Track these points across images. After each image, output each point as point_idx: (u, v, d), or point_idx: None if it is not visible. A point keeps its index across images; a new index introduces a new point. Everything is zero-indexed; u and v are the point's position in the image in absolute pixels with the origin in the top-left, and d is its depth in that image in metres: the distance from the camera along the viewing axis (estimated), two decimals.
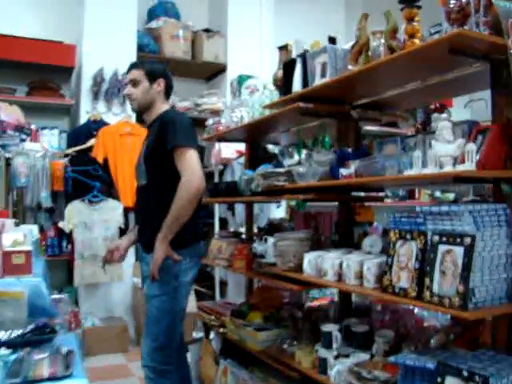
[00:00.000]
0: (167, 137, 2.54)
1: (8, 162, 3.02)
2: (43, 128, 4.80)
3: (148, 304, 2.61)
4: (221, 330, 3.28)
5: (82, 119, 4.82)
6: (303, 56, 2.59)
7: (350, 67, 2.25)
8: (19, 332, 1.72)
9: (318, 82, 2.45)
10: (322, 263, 2.34)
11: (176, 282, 2.55)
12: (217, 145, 4.95)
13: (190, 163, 2.50)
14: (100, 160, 4.65)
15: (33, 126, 4.65)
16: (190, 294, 2.65)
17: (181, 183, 2.46)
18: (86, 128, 4.77)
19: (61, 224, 4.43)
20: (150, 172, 2.66)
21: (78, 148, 4.65)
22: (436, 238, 1.78)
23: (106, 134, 4.71)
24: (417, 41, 1.88)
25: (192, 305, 4.16)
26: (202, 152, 5.17)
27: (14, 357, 1.59)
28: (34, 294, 1.87)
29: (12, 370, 1.49)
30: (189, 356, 3.23)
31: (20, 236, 2.01)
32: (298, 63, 2.59)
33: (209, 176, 5.13)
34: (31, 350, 1.60)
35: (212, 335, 3.46)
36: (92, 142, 4.68)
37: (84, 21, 4.82)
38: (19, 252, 1.94)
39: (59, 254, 4.64)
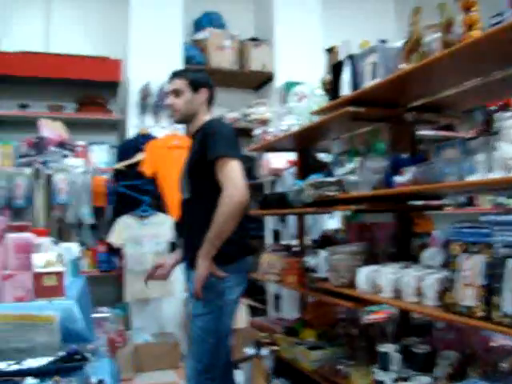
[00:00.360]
0: (209, 147, 2.43)
1: (49, 178, 2.99)
2: (93, 143, 4.84)
3: (192, 323, 2.50)
4: (273, 347, 3.14)
5: (130, 134, 4.81)
6: (351, 57, 2.44)
7: (402, 66, 2.07)
8: (48, 359, 1.63)
9: (369, 83, 2.29)
10: (378, 278, 2.17)
11: (220, 301, 2.42)
12: (266, 155, 4.83)
13: (232, 174, 2.38)
14: (149, 174, 4.61)
15: (82, 142, 4.69)
16: (235, 312, 2.51)
17: (222, 196, 2.34)
18: (135, 142, 4.75)
19: (110, 239, 4.40)
20: (194, 185, 2.56)
21: (126, 163, 4.63)
22: (504, 250, 1.59)
23: (154, 147, 4.67)
24: (476, 32, 1.70)
25: (243, 320, 4.04)
26: (250, 163, 5.07)
27: None
28: (66, 317, 1.78)
29: None
30: (240, 375, 3.10)
31: (53, 256, 1.93)
32: (345, 65, 2.45)
33: (259, 187, 5.02)
34: (59, 380, 1.51)
35: (264, 352, 3.32)
36: (140, 156, 4.65)
37: (129, 35, 4.83)
38: (51, 273, 1.86)
39: (111, 270, 4.62)
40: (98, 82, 4.78)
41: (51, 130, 3.22)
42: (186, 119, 2.64)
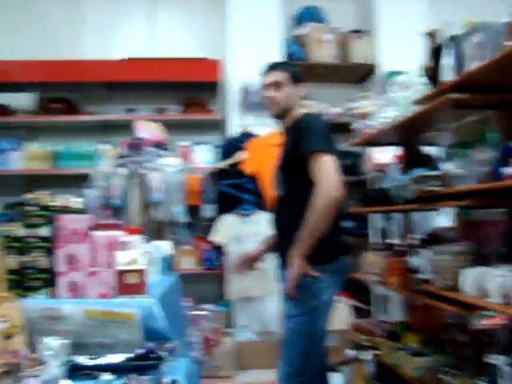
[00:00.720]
0: (302, 142, 2.34)
1: (144, 178, 3.07)
2: (196, 144, 4.94)
3: (284, 325, 2.43)
4: (374, 352, 2.99)
5: (232, 133, 4.84)
6: (453, 39, 2.23)
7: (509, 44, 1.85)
8: (126, 356, 1.64)
9: (472, 66, 2.08)
10: (485, 282, 1.96)
11: (314, 302, 2.32)
12: (370, 150, 4.64)
13: (325, 169, 2.27)
14: (250, 172, 4.61)
15: (185, 143, 4.81)
16: (329, 314, 2.40)
17: (315, 192, 2.24)
18: (237, 141, 4.78)
19: (213, 238, 4.46)
20: (288, 181, 2.48)
21: (228, 161, 4.67)
22: None
23: (255, 145, 4.66)
24: None
25: (345, 321, 3.90)
26: (354, 159, 4.90)
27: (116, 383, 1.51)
28: (147, 315, 1.78)
29: None
30: (339, 378, 2.99)
31: (137, 254, 1.94)
32: (447, 48, 2.24)
33: (363, 184, 4.84)
34: (132, 378, 1.50)
35: (365, 356, 3.17)
36: (242, 154, 4.66)
37: (228, 34, 4.86)
38: (133, 271, 1.87)
39: (214, 268, 4.69)
40: (199, 83, 4.86)
41: (148, 131, 3.32)
42: (283, 114, 2.55)
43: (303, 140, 2.34)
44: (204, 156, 4.96)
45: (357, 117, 4.61)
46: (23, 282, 1.86)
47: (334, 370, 3.09)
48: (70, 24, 5.19)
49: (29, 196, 2.03)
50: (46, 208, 1.94)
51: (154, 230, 3.03)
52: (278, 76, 2.52)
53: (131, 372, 1.56)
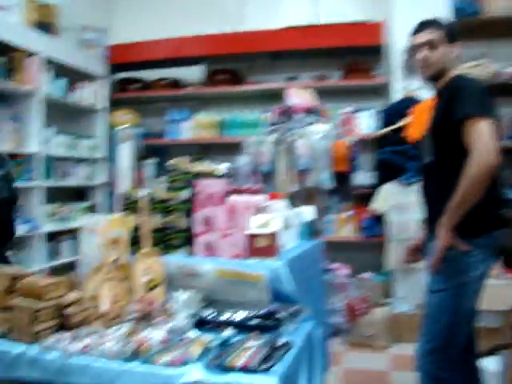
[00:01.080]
0: (455, 106, 2.16)
1: (291, 145, 3.08)
2: (358, 110, 4.83)
3: (427, 299, 2.30)
4: None
5: (395, 98, 4.64)
6: None
7: None
8: (248, 315, 1.70)
9: None
10: None
11: (462, 277, 2.16)
12: None
13: (480, 135, 2.07)
14: (414, 139, 4.39)
15: (347, 109, 4.74)
16: (479, 291, 2.21)
17: (469, 159, 2.06)
18: (400, 106, 4.57)
19: (373, 206, 4.37)
20: (438, 147, 2.31)
21: (390, 128, 4.50)
22: None
23: (419, 111, 4.41)
24: None
25: (508, 302, 3.57)
26: None
27: (234, 339, 1.58)
28: (274, 277, 1.82)
29: (219, 353, 1.47)
30: (496, 362, 2.76)
31: (271, 218, 1.98)
32: None
33: None
34: (250, 335, 1.56)
35: None
36: (405, 120, 4.46)
37: None
38: (263, 235, 1.92)
39: (374, 236, 4.60)
40: (361, 48, 4.71)
41: (300, 98, 3.32)
42: (437, 75, 2.37)
43: (457, 103, 2.16)
44: (366, 122, 4.84)
45: None
46: (165, 240, 2.02)
47: (489, 353, 2.86)
48: None
49: (171, 162, 2.19)
50: (186, 173, 2.08)
51: (302, 197, 3.06)
52: (431, 35, 2.33)
53: (252, 330, 1.62)
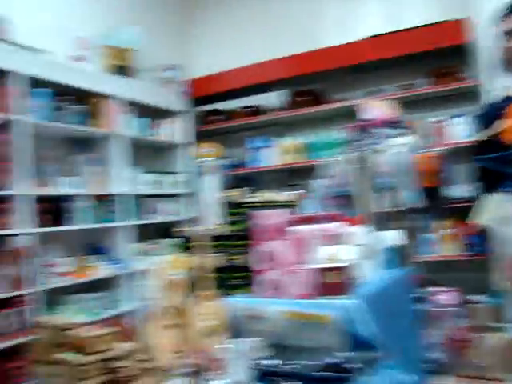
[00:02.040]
0: None
1: (371, 161, 2.78)
2: (451, 117, 4.46)
3: None
4: None
5: (488, 100, 4.22)
6: None
7: None
8: (315, 364, 1.46)
9: None
10: None
11: None
12: None
13: None
14: None
15: (437, 118, 4.39)
16: None
17: None
18: (496, 108, 4.13)
19: (476, 220, 3.96)
20: None
21: (487, 132, 4.08)
22: None
23: None
24: None
25: None
26: None
27: None
28: (347, 318, 1.56)
29: None
30: None
31: (342, 248, 1.73)
32: None
33: None
34: None
35: None
36: (504, 122, 4.02)
37: None
38: (332, 269, 1.67)
39: (482, 253, 4.17)
40: (446, 50, 4.34)
41: (377, 110, 3.05)
42: None
43: None
44: (460, 130, 4.45)
45: None
46: (226, 280, 1.85)
47: None
48: (308, 15, 5.24)
49: (226, 194, 2.03)
50: (240, 205, 1.90)
51: (387, 219, 2.77)
52: None
53: (318, 382, 1.40)
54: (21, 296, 3.32)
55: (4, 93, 3.39)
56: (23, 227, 3.41)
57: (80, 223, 3.93)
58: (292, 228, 1.84)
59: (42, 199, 3.62)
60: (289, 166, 5.06)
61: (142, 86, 4.75)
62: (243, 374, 1.46)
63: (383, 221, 2.70)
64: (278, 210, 1.84)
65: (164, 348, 1.72)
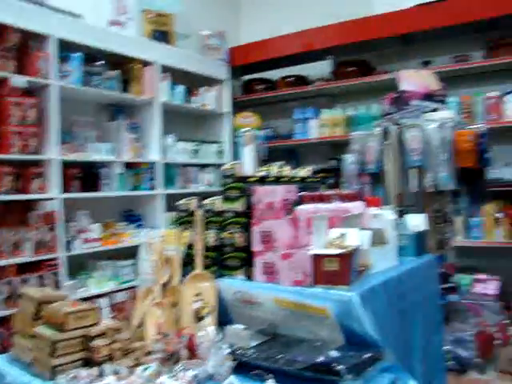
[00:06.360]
0: None
1: (403, 137, 2.52)
2: (509, 93, 4.10)
3: None
4: None
5: None
6: None
7: None
8: (305, 361, 1.30)
9: None
10: None
11: None
12: None
13: None
14: None
15: (493, 93, 4.05)
16: None
17: None
18: None
19: None
20: None
21: None
22: None
23: None
24: None
25: None
26: None
27: None
28: (344, 312, 1.39)
29: None
30: None
31: (351, 232, 1.53)
32: None
33: None
34: None
35: None
36: None
37: None
38: (331, 256, 1.49)
39: None
40: (503, 19, 3.95)
41: (417, 82, 2.79)
42: None
43: None
44: None
45: None
46: (221, 260, 1.72)
47: None
48: None
49: (225, 167, 1.88)
50: (242, 179, 1.74)
51: (413, 200, 2.54)
52: None
53: (304, 382, 1.26)
54: (51, 260, 3.34)
55: (38, 56, 3.35)
56: (55, 192, 3.40)
57: (114, 190, 3.90)
58: (297, 207, 1.68)
59: (75, 165, 3.61)
60: (330, 140, 4.84)
61: (182, 53, 4.62)
62: (222, 365, 1.35)
63: (411, 203, 2.49)
64: (284, 186, 1.68)
65: (150, 328, 1.63)
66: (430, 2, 4.30)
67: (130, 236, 4.00)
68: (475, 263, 3.90)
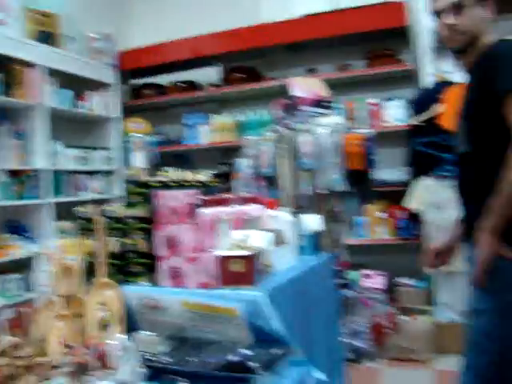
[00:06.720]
0: (494, 80, 1.72)
1: (294, 142, 2.67)
2: (387, 100, 4.42)
3: (471, 321, 1.89)
4: None
5: (426, 84, 4.20)
6: None
7: None
8: (216, 361, 1.33)
9: None
10: None
11: (510, 294, 1.75)
12: None
13: None
14: (448, 127, 3.94)
15: (374, 100, 4.34)
16: None
17: None
18: (432, 92, 4.13)
19: (408, 204, 3.97)
20: (475, 133, 1.87)
21: (422, 117, 4.07)
22: None
23: (453, 95, 3.96)
24: None
25: None
26: None
27: None
28: (253, 311, 1.44)
29: None
30: None
31: (253, 234, 1.60)
32: None
33: None
34: None
35: None
36: (438, 107, 4.02)
37: None
38: (237, 257, 1.54)
39: (412, 237, 4.19)
40: (385, 32, 4.28)
41: (305, 88, 2.94)
42: (467, 46, 1.91)
43: (496, 76, 1.71)
44: (396, 113, 4.43)
45: None
46: (125, 267, 1.71)
47: None
48: None
49: (128, 172, 1.87)
50: (144, 184, 1.75)
51: (307, 201, 2.68)
52: None
53: (217, 382, 1.28)
54: None
55: None
56: None
57: None
58: (200, 211, 1.70)
59: None
60: (221, 145, 4.91)
61: (68, 56, 4.46)
62: (133, 373, 1.33)
63: (305, 204, 2.61)
64: (186, 191, 1.70)
65: (53, 341, 1.57)
66: (316, 13, 4.53)
67: (17, 248, 3.79)
68: (363, 260, 4.16)
